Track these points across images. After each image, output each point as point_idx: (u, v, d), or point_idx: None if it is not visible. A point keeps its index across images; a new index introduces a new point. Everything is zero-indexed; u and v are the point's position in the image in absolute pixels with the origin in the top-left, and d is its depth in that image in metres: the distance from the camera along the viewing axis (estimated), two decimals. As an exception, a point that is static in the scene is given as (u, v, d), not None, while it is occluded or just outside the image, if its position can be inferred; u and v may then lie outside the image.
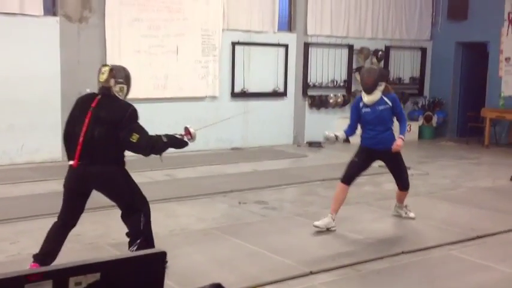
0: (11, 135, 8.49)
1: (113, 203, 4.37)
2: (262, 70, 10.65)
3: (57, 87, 8.69)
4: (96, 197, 6.37)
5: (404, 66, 12.65)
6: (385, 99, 5.56)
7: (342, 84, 11.70)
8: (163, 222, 5.56)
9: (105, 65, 4.29)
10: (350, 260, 4.74)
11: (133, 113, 4.12)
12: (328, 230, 5.47)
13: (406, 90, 12.53)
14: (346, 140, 5.83)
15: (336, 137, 5.60)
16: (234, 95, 10.37)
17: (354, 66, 11.82)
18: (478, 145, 11.68)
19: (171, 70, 9.53)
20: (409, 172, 8.53)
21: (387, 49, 12.21)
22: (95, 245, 4.94)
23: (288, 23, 11.14)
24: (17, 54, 8.37)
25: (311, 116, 11.43)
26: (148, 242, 4.21)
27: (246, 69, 10.46)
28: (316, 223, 5.49)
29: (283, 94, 10.87)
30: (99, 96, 4.18)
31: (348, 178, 5.63)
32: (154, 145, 4.15)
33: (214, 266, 4.51)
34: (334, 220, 5.53)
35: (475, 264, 4.73)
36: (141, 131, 4.09)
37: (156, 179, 7.58)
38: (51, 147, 8.67)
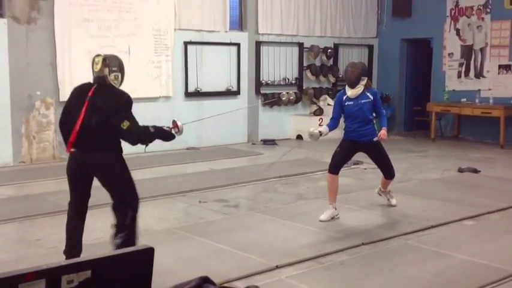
0: (-42, 140, 8.23)
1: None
2: (215, 69, 10.68)
3: (5, 90, 8.45)
4: (56, 201, 6.29)
5: (352, 63, 12.93)
6: (367, 93, 5.86)
7: (293, 81, 11.88)
8: (126, 224, 5.51)
9: (98, 55, 4.29)
10: (313, 253, 4.85)
11: (129, 101, 4.19)
12: (333, 219, 5.82)
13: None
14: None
15: (320, 132, 5.83)
16: (188, 94, 10.36)
17: (305, 63, 12.03)
18: (424, 138, 12.09)
19: (123, 71, 9.42)
20: (362, 166, 8.72)
21: (336, 47, 12.47)
22: (58, 249, 4.85)
23: (239, 22, 11.21)
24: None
25: (264, 114, 11.55)
26: (132, 237, 4.22)
27: (199, 69, 10.47)
28: (322, 218, 5.79)
29: (237, 93, 10.92)
30: (95, 86, 4.22)
31: (334, 168, 5.93)
32: (141, 135, 4.23)
33: (182, 265, 4.53)
34: (336, 209, 5.88)
35: (431, 252, 4.92)
36: (133, 119, 4.15)
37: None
38: (1, 152, 8.45)
